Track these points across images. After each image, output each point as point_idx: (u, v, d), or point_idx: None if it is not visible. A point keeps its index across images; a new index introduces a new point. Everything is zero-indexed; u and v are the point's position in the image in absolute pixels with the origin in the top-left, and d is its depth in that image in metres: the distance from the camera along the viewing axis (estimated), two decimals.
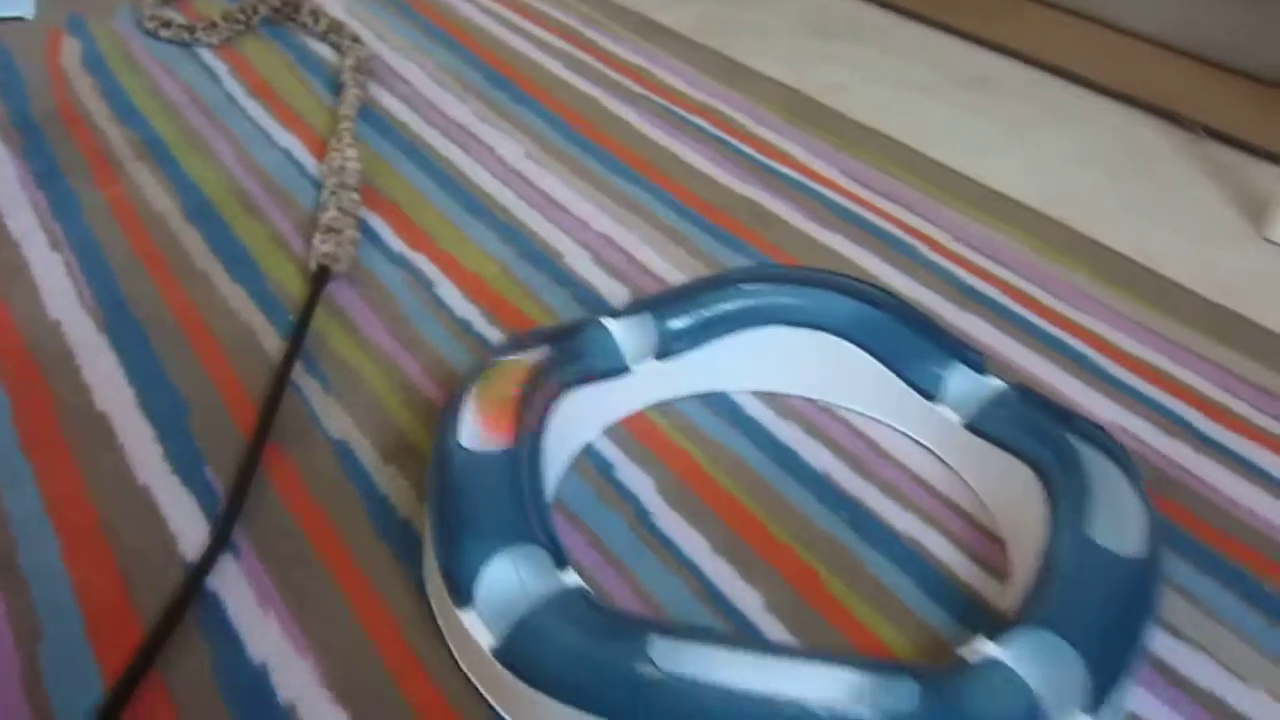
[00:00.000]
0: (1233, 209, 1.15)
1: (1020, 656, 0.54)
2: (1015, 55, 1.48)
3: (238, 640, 0.57)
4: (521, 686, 0.53)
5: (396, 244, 0.91)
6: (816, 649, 0.60)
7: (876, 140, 1.18)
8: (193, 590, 0.58)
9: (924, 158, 1.15)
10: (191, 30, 1.21)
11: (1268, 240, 1.10)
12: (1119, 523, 0.61)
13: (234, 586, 0.60)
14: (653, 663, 0.51)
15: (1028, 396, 0.72)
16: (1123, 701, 0.58)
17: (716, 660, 0.51)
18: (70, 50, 1.19)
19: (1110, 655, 0.56)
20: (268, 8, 1.28)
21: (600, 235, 0.95)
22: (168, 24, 1.22)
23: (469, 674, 0.56)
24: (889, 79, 1.37)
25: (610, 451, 0.72)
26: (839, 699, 0.50)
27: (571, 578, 0.56)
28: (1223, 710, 0.59)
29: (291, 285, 0.85)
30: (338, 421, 0.72)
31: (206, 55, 1.21)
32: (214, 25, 1.22)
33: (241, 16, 1.25)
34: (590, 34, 1.40)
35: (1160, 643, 0.63)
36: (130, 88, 1.12)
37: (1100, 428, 0.69)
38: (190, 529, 0.63)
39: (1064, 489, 0.63)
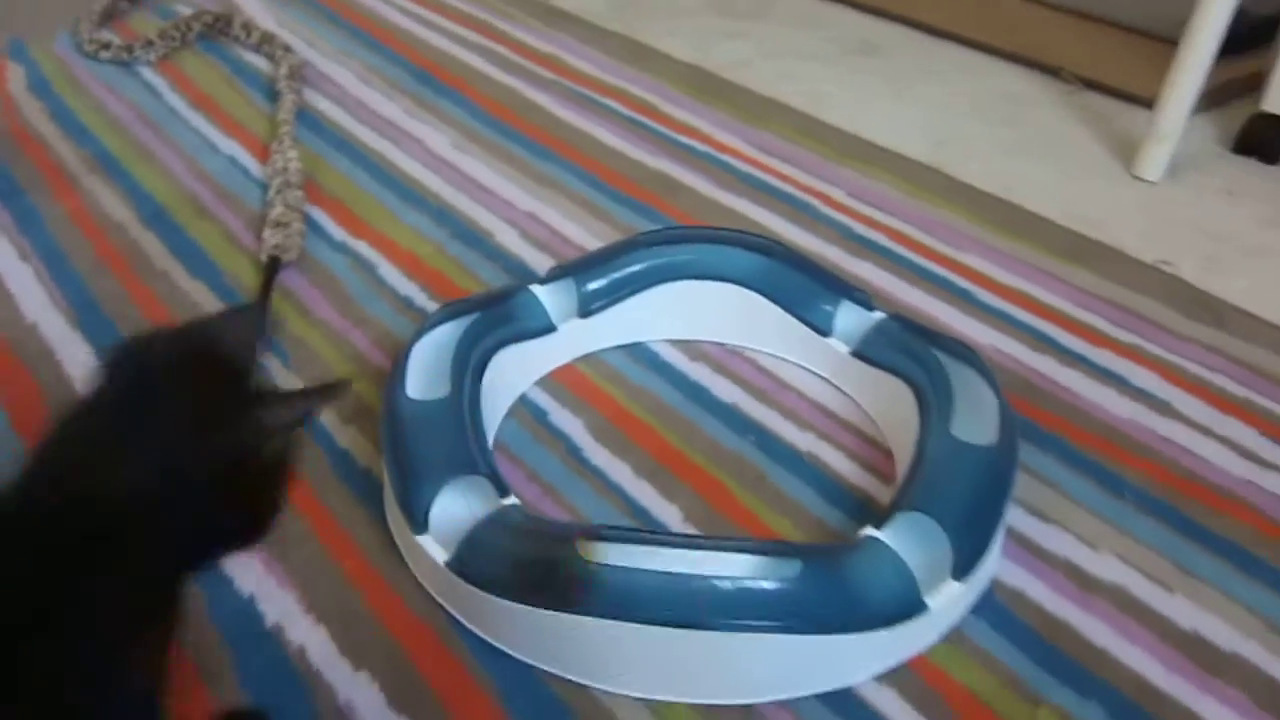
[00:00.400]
0: (1105, 150, 1.27)
1: (894, 535, 0.64)
2: (904, 21, 1.59)
3: (227, 580, 0.66)
4: (473, 591, 0.62)
5: (339, 233, 1.00)
6: (721, 537, 0.70)
7: (776, 110, 1.28)
8: None
9: (819, 122, 1.25)
10: (130, 50, 1.29)
11: (1136, 177, 1.21)
12: (976, 420, 0.72)
13: None
14: (581, 558, 0.60)
15: (904, 324, 0.82)
16: (988, 570, 0.68)
17: (636, 552, 0.61)
18: (15, 76, 1.26)
19: (973, 530, 0.66)
20: (201, 24, 1.35)
21: (525, 213, 1.05)
22: (106, 45, 1.29)
23: (428, 589, 0.65)
24: (787, 52, 1.47)
25: (543, 399, 0.82)
26: (739, 574, 0.60)
27: (511, 501, 0.66)
28: (1077, 573, 0.70)
29: (246, 277, 0.93)
30: None
31: (147, 73, 1.29)
32: (151, 43, 1.30)
33: (176, 33, 1.32)
34: (504, 26, 1.48)
35: (1025, 522, 0.73)
36: (77, 108, 1.20)
37: (963, 344, 0.79)
38: None
39: (932, 398, 0.74)
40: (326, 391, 0.50)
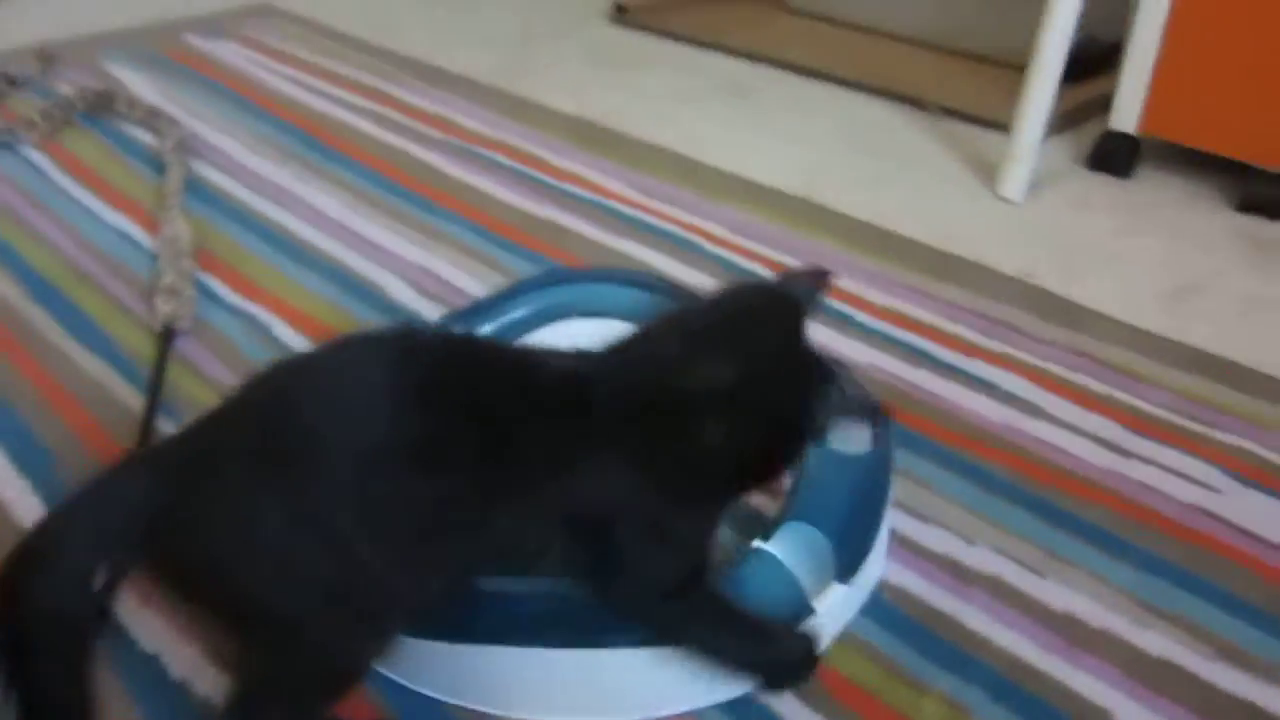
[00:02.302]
0: (968, 173, 1.34)
1: (779, 545, 0.67)
2: (772, 62, 1.66)
3: (131, 639, 0.66)
4: None
5: (232, 297, 1.01)
6: None
7: (657, 154, 1.33)
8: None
9: (698, 163, 1.30)
10: (12, 131, 1.29)
11: (998, 196, 1.28)
12: (850, 432, 0.75)
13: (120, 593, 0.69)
14: (476, 589, 0.62)
15: None
16: (873, 571, 0.72)
17: (523, 580, 0.63)
18: None
19: (853, 534, 0.70)
20: (84, 102, 1.36)
21: (416, 266, 1.07)
22: None
23: None
24: (662, 97, 1.53)
25: None
26: None
27: None
28: (955, 566, 0.74)
29: (140, 346, 0.94)
30: None
31: (30, 152, 1.29)
32: (33, 124, 1.30)
33: (59, 113, 1.33)
34: (391, 89, 1.52)
35: (906, 523, 0.77)
36: None
37: (840, 364, 0.83)
38: None
39: None
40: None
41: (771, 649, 0.62)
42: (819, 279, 0.65)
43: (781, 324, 0.61)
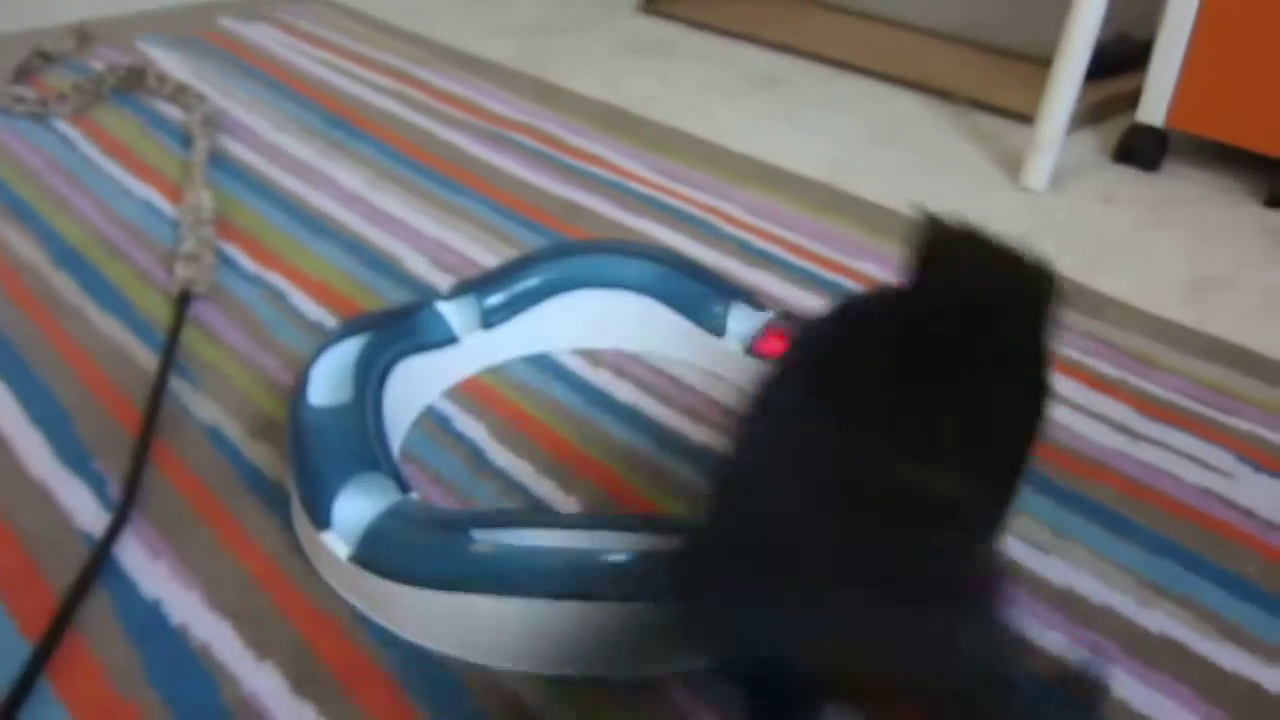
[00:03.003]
0: (994, 165, 1.33)
1: None
2: (802, 54, 1.65)
3: (133, 585, 0.67)
4: (376, 582, 0.64)
5: (251, 266, 1.02)
6: (614, 515, 0.73)
7: (680, 139, 1.33)
8: (103, 558, 0.68)
9: (721, 149, 1.30)
10: (44, 104, 1.31)
11: (1022, 188, 1.27)
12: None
13: (126, 547, 0.70)
14: (474, 540, 0.63)
15: (793, 320, 0.86)
16: None
17: (528, 533, 0.63)
18: None
19: None
20: (115, 77, 1.38)
21: (434, 241, 1.08)
22: (21, 100, 1.31)
23: (333, 585, 0.67)
24: (691, 86, 1.53)
25: (447, 409, 0.84)
26: (632, 548, 0.63)
27: (411, 496, 0.68)
28: None
29: (159, 311, 0.95)
30: (208, 411, 0.83)
31: (61, 125, 1.31)
32: (65, 98, 1.32)
33: (90, 87, 1.35)
34: (418, 72, 1.53)
35: None
36: None
37: None
38: (83, 510, 0.73)
39: None
40: None
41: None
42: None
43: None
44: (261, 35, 1.66)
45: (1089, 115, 1.45)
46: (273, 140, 1.30)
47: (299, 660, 0.63)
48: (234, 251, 1.05)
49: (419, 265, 1.04)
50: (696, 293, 0.89)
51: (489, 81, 1.49)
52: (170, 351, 0.88)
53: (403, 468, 0.76)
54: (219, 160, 1.23)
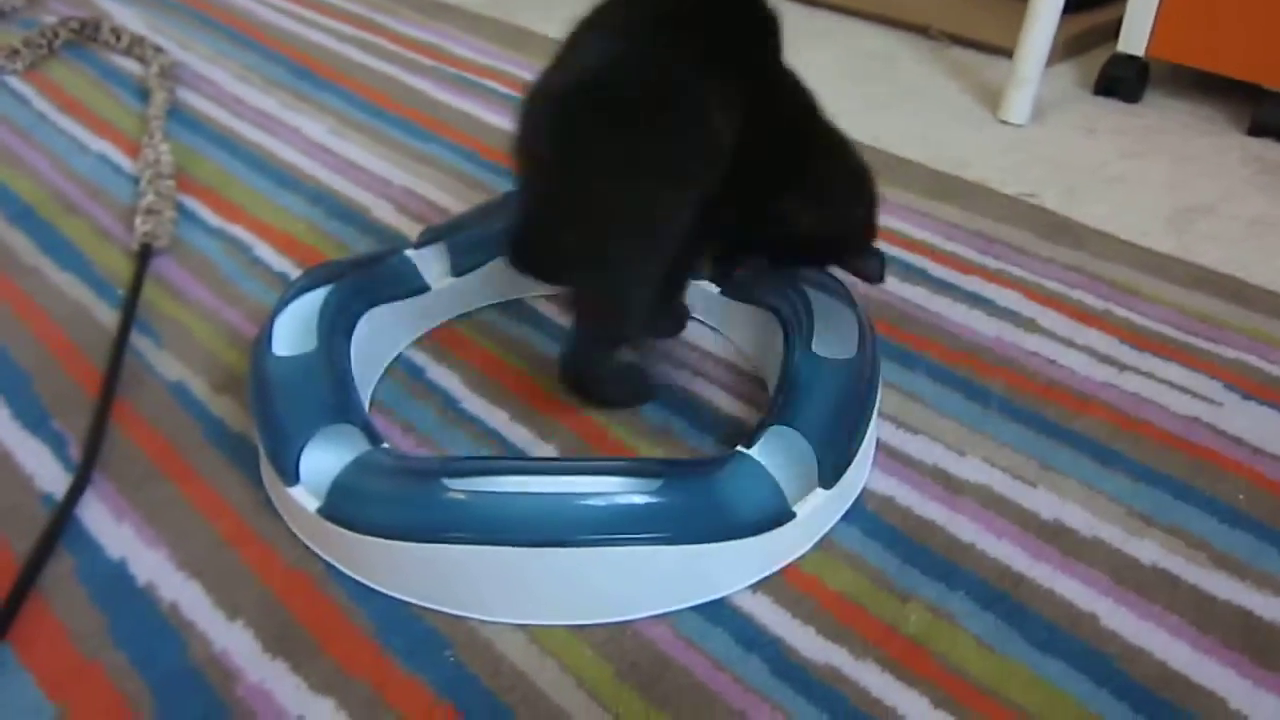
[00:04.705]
0: (973, 100, 1.30)
1: (761, 449, 0.66)
2: None
3: (97, 546, 0.65)
4: (346, 535, 0.62)
5: (214, 219, 0.99)
6: (587, 458, 0.71)
7: None
8: (64, 519, 0.66)
9: None
10: None
11: (1002, 121, 1.25)
12: (836, 337, 0.73)
13: (89, 507, 0.68)
14: (448, 488, 0.61)
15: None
16: (858, 478, 0.70)
17: (501, 480, 0.61)
18: None
19: (837, 438, 0.68)
20: (68, 30, 1.33)
21: (402, 189, 1.05)
22: None
23: (303, 539, 0.65)
24: None
25: (419, 358, 0.82)
26: (606, 490, 0.61)
27: (382, 447, 0.66)
28: (944, 477, 0.72)
29: (118, 267, 0.92)
30: (171, 368, 0.80)
31: (13, 81, 1.27)
32: (16, 52, 1.28)
33: (43, 41, 1.30)
34: (383, 20, 1.49)
35: (895, 436, 0.75)
36: None
37: (826, 273, 0.81)
38: (44, 472, 0.71)
39: (795, 323, 0.75)
40: None
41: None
42: None
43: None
44: None
45: (1069, 47, 1.42)
46: (234, 91, 1.26)
47: (271, 617, 0.61)
48: (195, 205, 1.02)
49: (386, 213, 1.01)
50: None
51: (456, 27, 1.46)
52: (131, 308, 0.85)
53: (374, 419, 0.73)
54: (178, 113, 1.20)
